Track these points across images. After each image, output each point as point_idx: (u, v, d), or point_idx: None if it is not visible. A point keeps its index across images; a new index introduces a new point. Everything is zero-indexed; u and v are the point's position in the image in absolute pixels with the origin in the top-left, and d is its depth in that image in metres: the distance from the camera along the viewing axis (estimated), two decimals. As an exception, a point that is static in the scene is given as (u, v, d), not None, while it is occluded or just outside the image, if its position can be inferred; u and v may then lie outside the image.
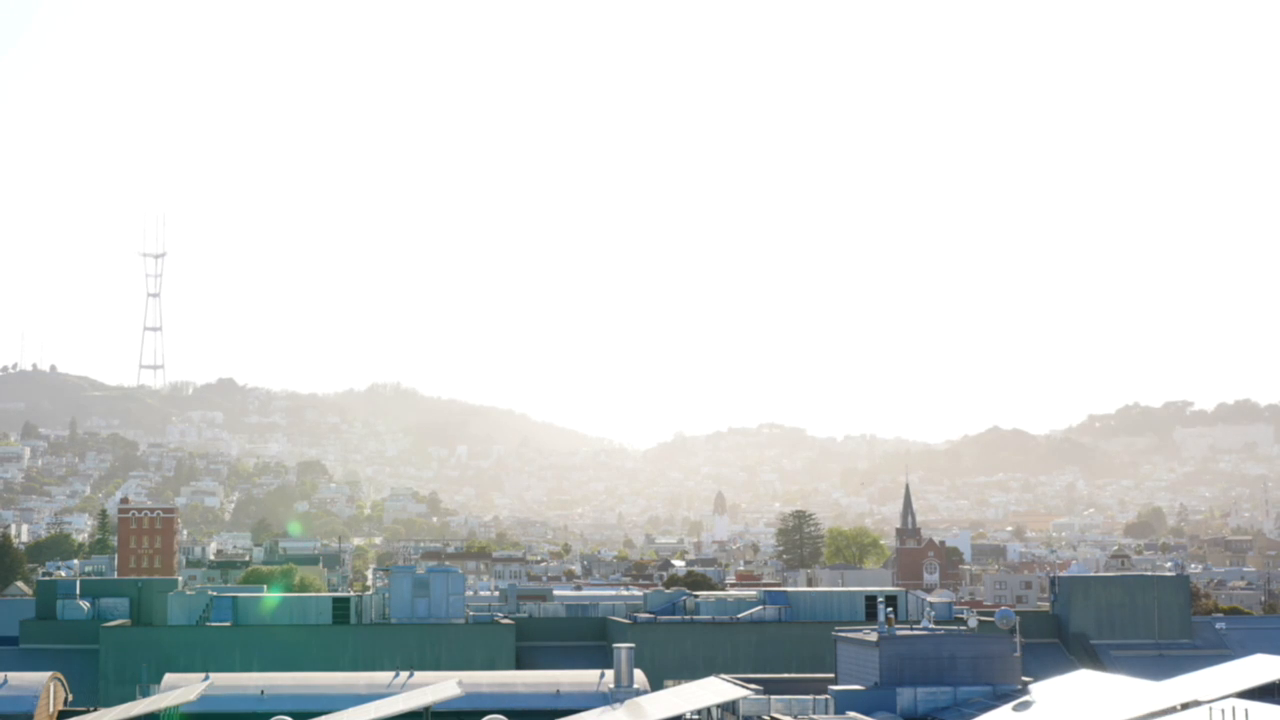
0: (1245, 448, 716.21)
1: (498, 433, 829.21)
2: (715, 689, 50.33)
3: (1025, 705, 48.40)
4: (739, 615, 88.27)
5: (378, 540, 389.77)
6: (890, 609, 70.57)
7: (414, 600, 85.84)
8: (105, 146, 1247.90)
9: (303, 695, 56.65)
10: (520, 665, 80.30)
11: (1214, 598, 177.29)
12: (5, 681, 54.90)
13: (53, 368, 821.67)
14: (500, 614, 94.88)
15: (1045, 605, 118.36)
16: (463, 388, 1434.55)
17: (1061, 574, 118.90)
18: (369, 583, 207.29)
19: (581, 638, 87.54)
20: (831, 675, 57.19)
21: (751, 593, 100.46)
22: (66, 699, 58.95)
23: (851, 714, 48.68)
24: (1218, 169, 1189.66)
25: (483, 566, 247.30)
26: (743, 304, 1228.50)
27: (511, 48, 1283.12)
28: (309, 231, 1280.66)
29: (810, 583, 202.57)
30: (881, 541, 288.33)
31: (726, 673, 58.38)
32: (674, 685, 55.79)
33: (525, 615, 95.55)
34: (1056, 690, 50.78)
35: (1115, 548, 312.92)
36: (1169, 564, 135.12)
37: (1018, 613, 66.17)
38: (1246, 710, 42.71)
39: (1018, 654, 51.77)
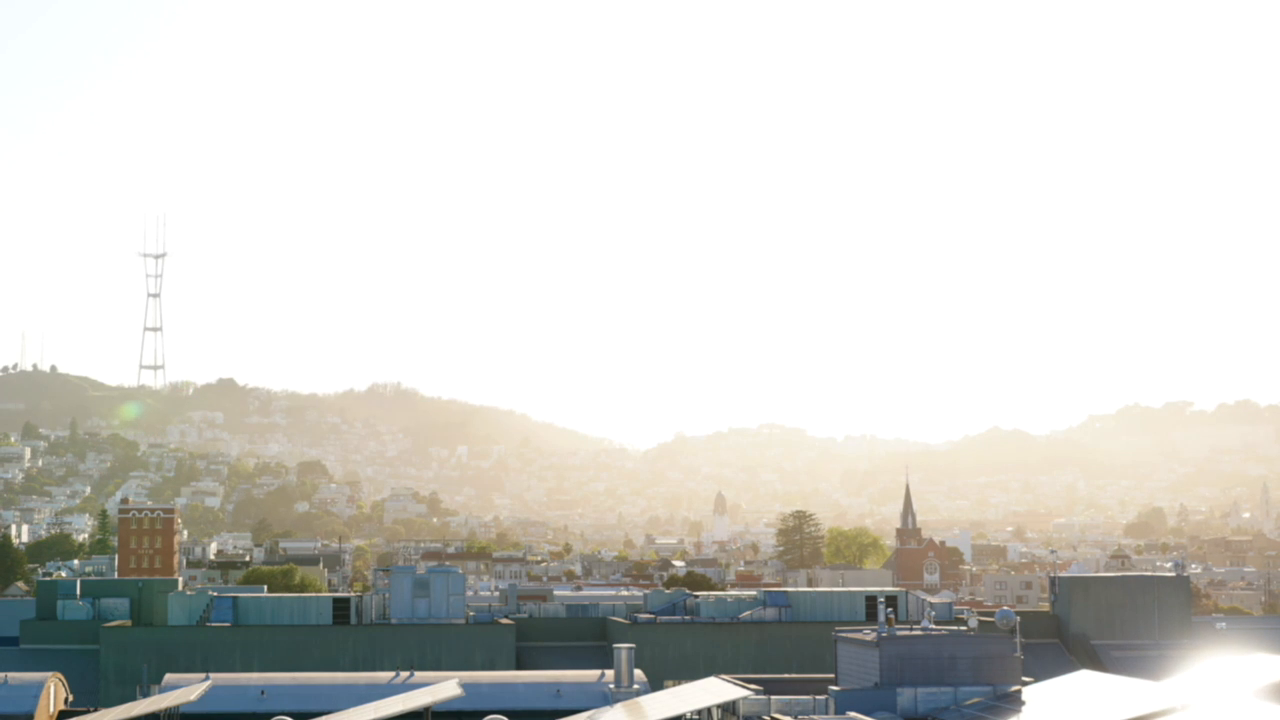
0: (1245, 448, 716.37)
1: (498, 433, 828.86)
2: (715, 689, 50.28)
3: (1025, 706, 48.37)
4: (739, 615, 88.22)
5: (378, 540, 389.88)
6: (890, 609, 70.49)
7: (414, 600, 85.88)
8: (105, 146, 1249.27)
9: (303, 695, 56.68)
10: (520, 665, 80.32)
11: (1214, 598, 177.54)
12: (5, 681, 54.89)
13: (53, 368, 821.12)
14: (500, 614, 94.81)
15: (1045, 605, 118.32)
16: (463, 388, 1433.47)
17: (1061, 574, 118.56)
18: (369, 583, 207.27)
19: (581, 638, 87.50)
20: (831, 675, 57.13)
21: (751, 593, 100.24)
22: (67, 699, 58.92)
23: (851, 714, 48.63)
24: (1218, 169, 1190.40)
25: (483, 567, 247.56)
26: (743, 304, 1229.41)
27: (512, 48, 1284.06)
28: (308, 232, 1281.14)
29: (810, 583, 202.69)
30: (882, 542, 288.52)
31: (726, 673, 58.35)
32: (674, 685, 55.75)
33: (525, 615, 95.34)
34: (1057, 690, 50.73)
35: (1115, 548, 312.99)
36: (1169, 564, 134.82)
37: (1018, 613, 66.04)
38: (1247, 710, 42.73)
39: (1018, 654, 51.70)
